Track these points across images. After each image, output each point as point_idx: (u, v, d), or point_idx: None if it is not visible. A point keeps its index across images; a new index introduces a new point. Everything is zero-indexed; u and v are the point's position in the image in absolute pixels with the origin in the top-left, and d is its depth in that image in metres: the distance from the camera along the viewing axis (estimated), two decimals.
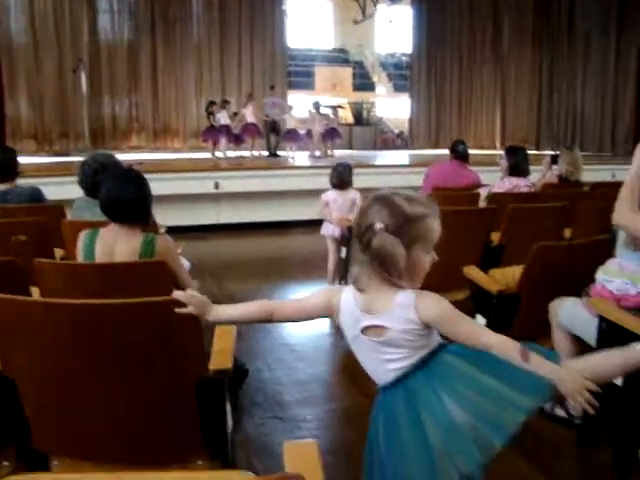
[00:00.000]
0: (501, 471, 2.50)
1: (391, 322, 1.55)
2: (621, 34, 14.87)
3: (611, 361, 1.61)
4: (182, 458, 2.07)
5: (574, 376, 1.47)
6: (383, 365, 1.60)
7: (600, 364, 1.56)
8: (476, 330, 1.57)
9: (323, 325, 4.21)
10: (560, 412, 2.88)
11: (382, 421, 1.61)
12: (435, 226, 1.58)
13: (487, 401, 1.50)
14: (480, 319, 3.16)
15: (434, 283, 3.92)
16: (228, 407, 2.22)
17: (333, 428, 3.04)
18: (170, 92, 14.54)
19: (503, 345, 1.52)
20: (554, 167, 6.29)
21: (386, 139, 17.68)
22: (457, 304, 4.03)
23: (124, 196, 2.59)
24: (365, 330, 1.60)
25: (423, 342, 1.58)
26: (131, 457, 1.98)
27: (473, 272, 3.27)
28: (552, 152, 8.72)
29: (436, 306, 1.56)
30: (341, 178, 4.85)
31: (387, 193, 1.57)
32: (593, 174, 7.84)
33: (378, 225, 1.51)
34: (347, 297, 1.63)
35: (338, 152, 11.93)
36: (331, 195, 4.90)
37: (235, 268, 6.38)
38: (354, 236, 1.60)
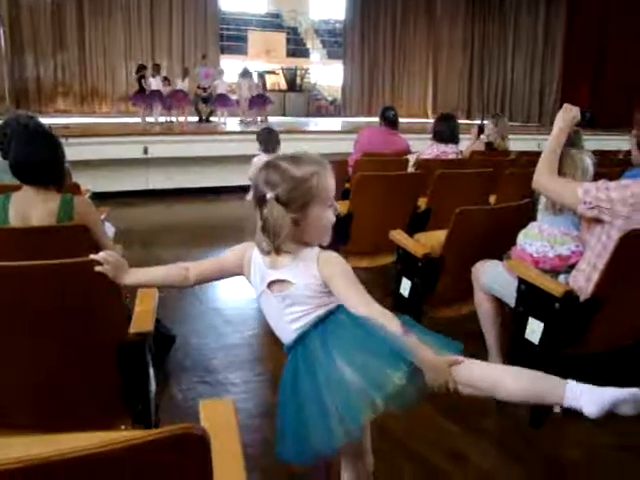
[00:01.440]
0: (431, 435, 2.59)
1: (295, 276, 1.58)
2: (550, 5, 15.17)
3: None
4: (104, 423, 2.04)
5: (442, 369, 1.50)
6: (287, 322, 1.63)
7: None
8: (363, 299, 1.57)
9: (252, 290, 4.19)
10: None
11: (289, 380, 1.63)
12: (328, 181, 1.59)
13: (372, 361, 1.53)
14: (406, 282, 3.21)
15: (364, 247, 4.02)
16: (151, 371, 2.19)
17: (261, 391, 3.04)
18: (98, 55, 14.05)
19: (377, 314, 1.54)
20: (482, 136, 6.41)
21: (320, 106, 17.61)
22: (386, 268, 4.13)
23: (33, 157, 2.51)
24: (270, 285, 1.62)
25: (324, 300, 1.60)
26: (48, 423, 1.94)
27: (399, 236, 3.30)
28: (481, 121, 8.88)
29: (334, 263, 1.59)
30: (267, 141, 4.80)
31: (274, 160, 1.60)
32: (520, 143, 8.03)
33: (269, 195, 1.54)
34: (257, 254, 1.65)
35: (270, 119, 11.82)
36: (264, 159, 4.84)
37: (165, 234, 6.28)
38: (255, 206, 1.62)
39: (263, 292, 1.65)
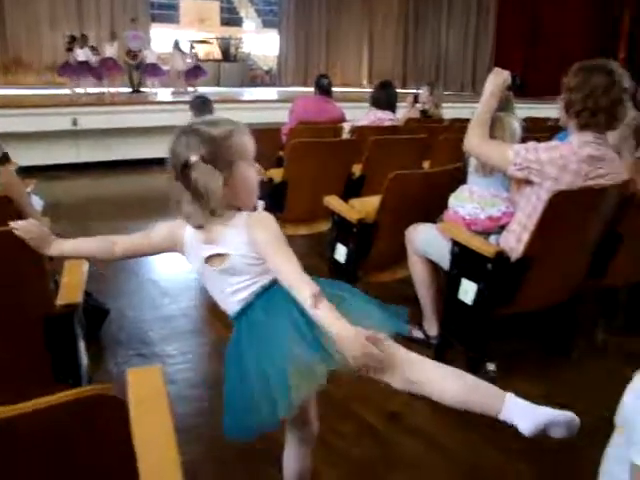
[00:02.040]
0: (366, 392, 2.61)
1: (229, 248, 1.53)
2: None
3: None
4: (32, 398, 1.97)
5: (357, 342, 1.41)
6: (230, 294, 1.58)
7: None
8: (285, 261, 1.50)
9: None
10: (418, 334, 3.02)
11: (232, 353, 1.60)
12: (246, 139, 1.55)
13: (318, 334, 1.49)
14: (341, 248, 3.21)
15: (300, 214, 4.00)
16: (82, 345, 2.13)
17: (200, 362, 3.01)
18: (20, 23, 13.43)
19: (300, 284, 1.46)
20: (417, 104, 6.46)
21: (255, 76, 17.37)
22: (322, 235, 4.12)
23: None
24: (208, 260, 1.57)
25: (264, 267, 1.55)
26: None
27: (333, 202, 3.30)
28: (416, 90, 8.94)
29: (263, 226, 1.52)
30: (201, 109, 4.71)
31: (190, 124, 1.54)
32: (454, 111, 8.11)
33: (193, 158, 1.47)
34: (189, 230, 1.59)
35: (204, 89, 11.59)
36: None
37: (94, 208, 6.11)
38: (174, 178, 1.54)
39: (202, 268, 1.60)
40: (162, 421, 1.01)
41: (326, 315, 1.43)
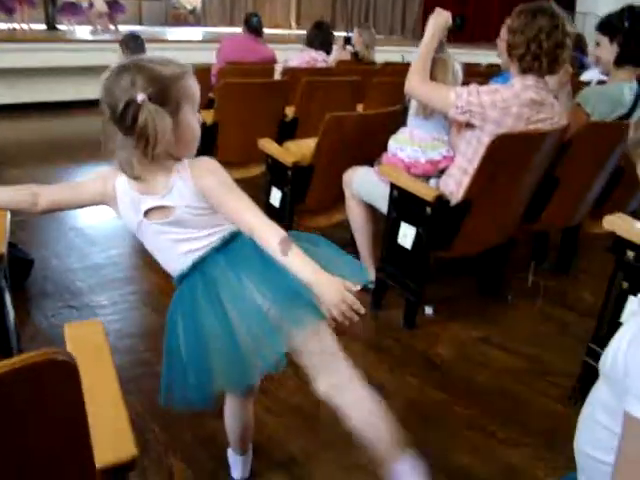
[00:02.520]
0: None
1: (174, 199, 1.39)
2: None
3: None
4: None
5: (334, 286, 1.32)
6: (176, 248, 1.45)
7: None
8: (243, 205, 1.40)
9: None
10: None
11: (187, 314, 1.46)
12: (194, 84, 1.41)
13: (288, 289, 1.40)
14: (276, 192, 3.13)
15: (232, 158, 3.88)
16: (8, 298, 2.00)
17: (131, 312, 2.90)
18: None
19: (265, 229, 1.37)
20: (348, 46, 6.35)
21: (178, 15, 16.68)
22: (256, 179, 4.02)
23: None
24: (148, 214, 1.42)
25: (216, 219, 1.43)
26: None
27: (268, 144, 3.20)
28: (347, 32, 8.81)
29: (210, 171, 1.40)
30: (133, 47, 4.47)
31: (133, 61, 1.36)
32: (384, 55, 8.02)
33: (140, 96, 1.30)
34: (122, 181, 1.43)
35: (123, 27, 11.04)
36: None
37: (13, 153, 5.76)
38: (108, 120, 1.35)
39: (140, 223, 1.43)
40: (108, 379, 0.93)
41: (297, 261, 1.33)
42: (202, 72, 4.84)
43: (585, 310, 2.93)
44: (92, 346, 1.11)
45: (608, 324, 2.10)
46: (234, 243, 1.46)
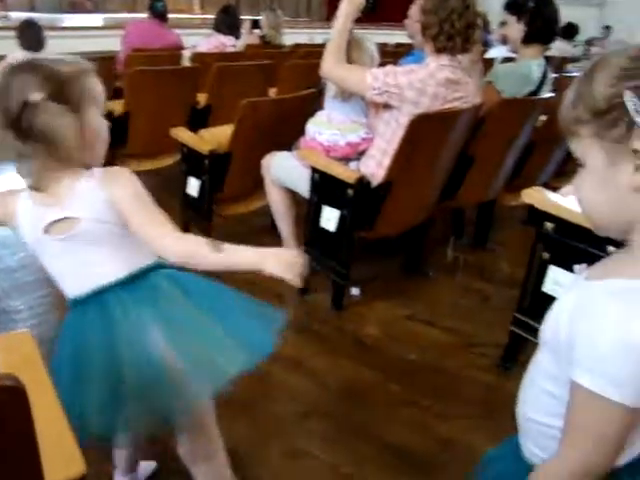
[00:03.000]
0: None
1: (79, 210, 1.26)
2: None
3: None
4: None
5: (281, 255, 1.23)
6: (76, 269, 1.32)
7: None
8: (157, 220, 1.28)
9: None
10: None
11: (70, 341, 1.34)
12: (98, 85, 1.30)
13: (202, 345, 1.31)
14: (193, 182, 3.06)
15: (144, 148, 3.76)
16: None
17: (48, 315, 2.78)
18: None
19: (184, 243, 1.26)
20: (256, 30, 6.27)
21: (74, 1, 16.05)
22: (170, 168, 3.91)
23: None
24: (49, 228, 1.27)
25: (127, 246, 1.31)
26: None
27: (182, 133, 3.11)
28: (252, 17, 8.69)
29: (125, 183, 1.28)
30: (29, 36, 4.26)
31: (27, 60, 1.25)
32: (292, 37, 7.99)
33: (35, 96, 1.18)
34: (24, 196, 1.30)
35: (15, 14, 10.51)
36: (20, 56, 4.27)
37: None
38: (2, 126, 1.21)
39: (39, 240, 1.28)
40: (47, 394, 0.86)
41: (237, 250, 1.24)
42: (107, 61, 4.66)
43: (504, 281, 3.02)
44: (24, 360, 1.03)
45: (531, 294, 2.16)
46: (144, 281, 1.33)
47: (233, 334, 1.32)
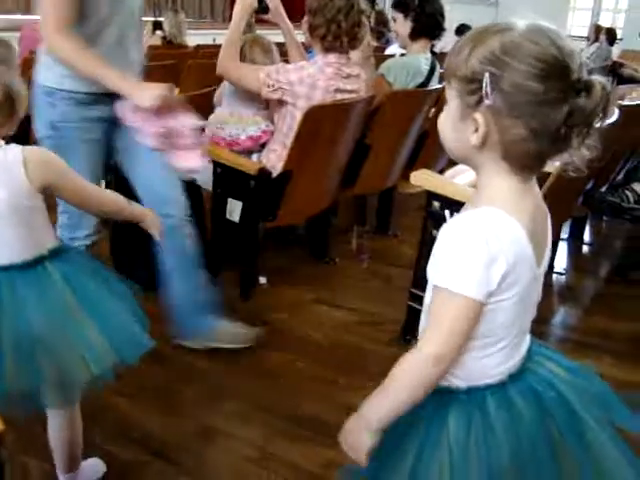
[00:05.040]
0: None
1: None
2: None
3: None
4: None
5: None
6: None
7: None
8: (87, 188, 1.45)
9: None
10: None
11: None
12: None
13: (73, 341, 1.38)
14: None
15: None
16: None
17: None
18: None
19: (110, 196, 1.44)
20: (158, 31, 6.26)
21: None
22: None
23: None
24: None
25: (43, 218, 1.40)
26: None
27: None
28: (155, 17, 8.65)
29: (49, 159, 1.38)
30: None
31: None
32: (195, 38, 7.99)
33: None
34: None
35: None
36: None
37: None
38: None
39: None
40: None
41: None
42: None
43: (407, 264, 3.14)
44: None
45: (424, 269, 2.31)
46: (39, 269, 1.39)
47: (106, 334, 1.40)
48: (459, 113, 0.97)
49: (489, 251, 0.92)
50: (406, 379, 1.02)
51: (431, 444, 1.03)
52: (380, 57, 4.02)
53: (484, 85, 0.91)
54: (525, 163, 0.96)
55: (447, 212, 2.16)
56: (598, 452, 1.06)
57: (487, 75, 0.90)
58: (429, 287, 1.03)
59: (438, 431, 1.03)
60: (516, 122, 0.91)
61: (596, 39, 9.57)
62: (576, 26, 12.01)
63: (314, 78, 2.57)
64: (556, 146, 0.93)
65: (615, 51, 9.83)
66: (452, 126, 1.00)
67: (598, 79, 0.89)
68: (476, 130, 0.94)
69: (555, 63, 0.88)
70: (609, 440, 1.08)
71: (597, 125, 0.91)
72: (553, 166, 1.81)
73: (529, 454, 1.01)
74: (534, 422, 1.02)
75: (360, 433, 1.06)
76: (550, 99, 0.88)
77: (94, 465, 1.77)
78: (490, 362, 1.03)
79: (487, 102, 0.91)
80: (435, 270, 0.98)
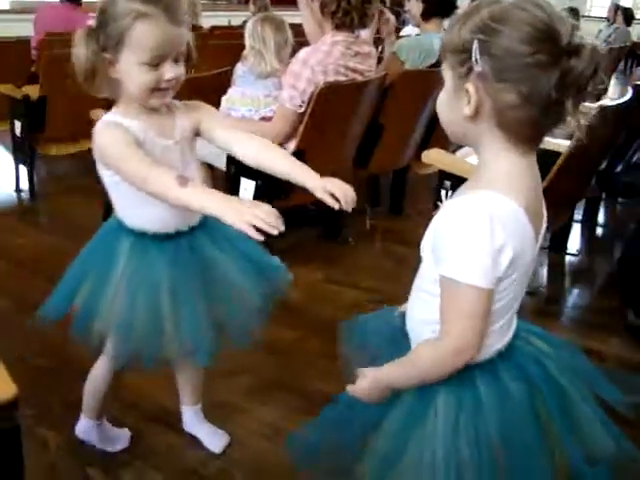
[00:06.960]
0: None
1: None
2: None
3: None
4: None
5: (240, 207, 1.19)
6: None
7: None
8: (141, 169, 1.34)
9: None
10: None
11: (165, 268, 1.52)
12: (150, 36, 1.33)
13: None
14: None
15: (64, 132, 3.75)
16: None
17: None
18: None
19: (159, 179, 1.31)
20: None
21: None
22: (89, 152, 3.91)
23: None
24: None
25: None
26: None
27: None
28: None
29: (99, 137, 1.38)
30: None
31: None
32: (211, 20, 7.99)
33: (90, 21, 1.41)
34: None
35: None
36: None
37: None
38: None
39: None
40: None
41: (203, 193, 1.27)
42: (20, 45, 4.61)
43: (420, 244, 3.20)
44: None
45: None
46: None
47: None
48: (453, 88, 0.98)
49: (496, 242, 0.93)
50: (427, 365, 1.04)
51: (417, 420, 1.05)
52: (397, 38, 4.01)
53: (473, 52, 0.91)
54: (520, 132, 0.96)
55: None
56: (583, 426, 1.08)
57: (476, 42, 0.91)
58: (424, 265, 1.04)
59: (425, 407, 1.05)
60: (506, 86, 0.91)
61: (615, 20, 9.44)
62: (596, 7, 11.85)
63: (323, 64, 2.58)
64: (550, 114, 0.93)
65: (634, 32, 9.70)
66: (447, 104, 1.01)
67: (589, 42, 0.89)
68: (469, 102, 0.95)
69: (544, 28, 0.88)
70: (593, 414, 1.09)
71: (589, 89, 0.91)
72: (562, 146, 1.82)
73: (517, 431, 1.02)
74: (522, 399, 1.03)
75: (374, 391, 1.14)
76: (539, 62, 0.88)
77: (123, 433, 1.89)
78: (487, 341, 1.04)
79: (477, 69, 0.92)
80: (440, 259, 0.99)
